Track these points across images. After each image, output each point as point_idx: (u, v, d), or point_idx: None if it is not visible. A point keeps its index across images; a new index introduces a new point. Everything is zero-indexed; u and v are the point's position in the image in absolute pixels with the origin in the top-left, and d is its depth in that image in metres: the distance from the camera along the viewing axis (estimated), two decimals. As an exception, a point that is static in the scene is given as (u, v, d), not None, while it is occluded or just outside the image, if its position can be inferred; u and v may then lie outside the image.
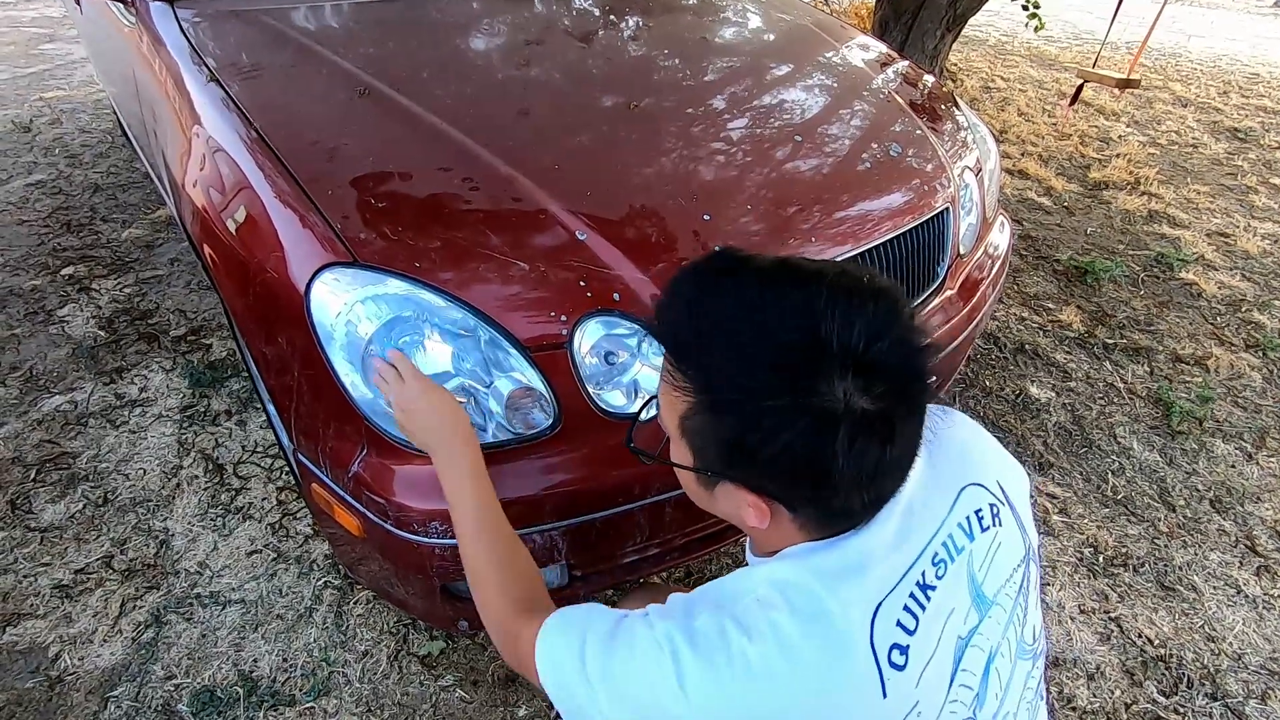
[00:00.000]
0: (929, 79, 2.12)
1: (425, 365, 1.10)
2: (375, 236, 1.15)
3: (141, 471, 2.00)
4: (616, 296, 1.18)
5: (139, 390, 2.26)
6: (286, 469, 2.01)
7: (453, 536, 1.12)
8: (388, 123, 1.37)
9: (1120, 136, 4.93)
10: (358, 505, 1.17)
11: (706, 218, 1.30)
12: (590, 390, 1.17)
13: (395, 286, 1.11)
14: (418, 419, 1.02)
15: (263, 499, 1.93)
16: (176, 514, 1.89)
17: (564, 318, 1.14)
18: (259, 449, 2.07)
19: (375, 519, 1.16)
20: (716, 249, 0.69)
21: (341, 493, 1.19)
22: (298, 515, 1.89)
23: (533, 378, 1.14)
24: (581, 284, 1.17)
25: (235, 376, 2.31)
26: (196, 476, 1.99)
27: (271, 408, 1.32)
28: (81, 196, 3.34)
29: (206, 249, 1.37)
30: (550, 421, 1.15)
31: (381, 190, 1.22)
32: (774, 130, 1.56)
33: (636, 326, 1.18)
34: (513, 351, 1.12)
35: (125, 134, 3.16)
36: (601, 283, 1.18)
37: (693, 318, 0.64)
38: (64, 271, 2.80)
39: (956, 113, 1.97)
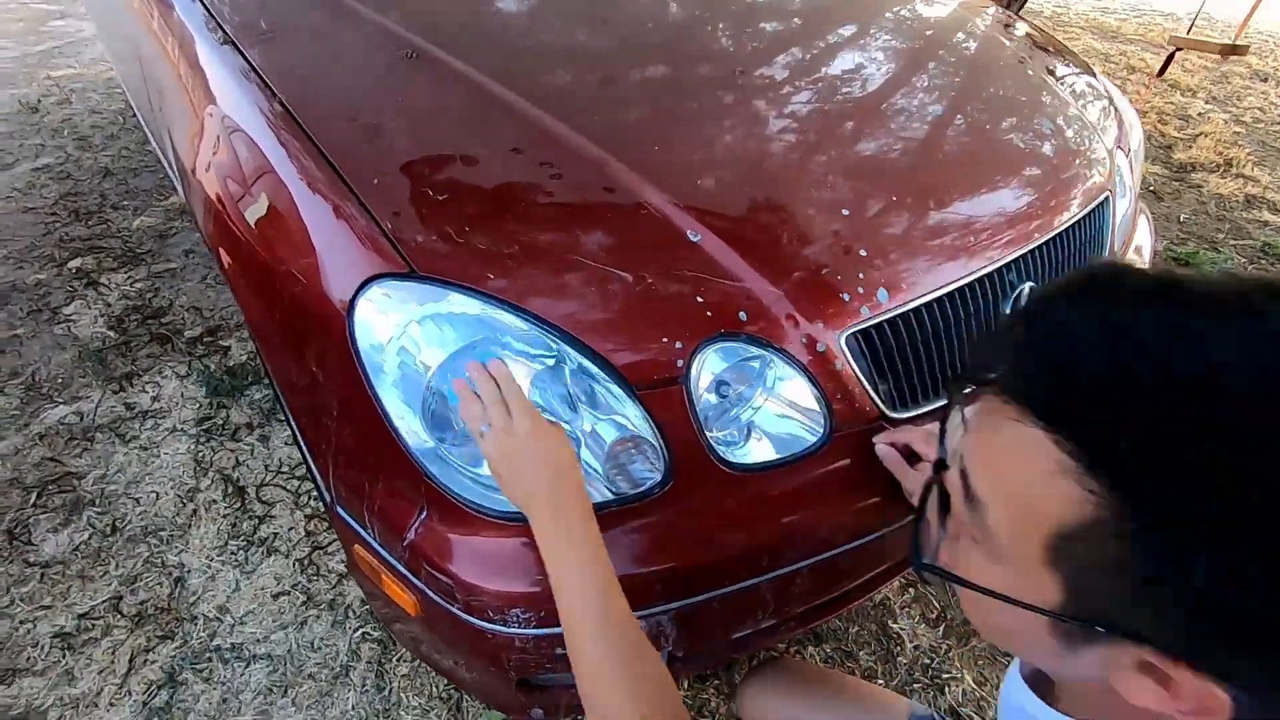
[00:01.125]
0: (1058, 41, 1.82)
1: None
2: (435, 239, 0.89)
3: (154, 495, 1.78)
4: (743, 315, 0.91)
5: (151, 399, 2.03)
6: (314, 494, 1.78)
7: (540, 625, 0.87)
8: (443, 93, 1.11)
9: (1200, 114, 4.56)
10: (415, 580, 0.92)
11: (845, 213, 1.03)
12: (710, 436, 0.91)
13: (462, 303, 0.86)
14: (522, 467, 0.76)
15: (289, 529, 1.70)
16: (193, 546, 1.66)
17: (679, 344, 0.88)
18: (284, 468, 1.84)
19: (437, 599, 0.91)
20: (1097, 262, 0.42)
21: (393, 562, 0.94)
22: (329, 550, 1.66)
23: (639, 422, 0.88)
24: (699, 299, 0.91)
25: (256, 384, 2.08)
26: (215, 501, 1.76)
27: (303, 446, 1.07)
28: (91, 182, 3.12)
29: (222, 250, 1.12)
30: (659, 477, 0.90)
31: (440, 178, 0.96)
32: (909, 104, 1.28)
33: (761, 351, 0.92)
34: (614, 388, 0.87)
35: (136, 114, 2.94)
36: (723, 297, 0.92)
37: (1114, 372, 0.38)
38: (71, 264, 2.58)
39: (1094, 81, 1.68)
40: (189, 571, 1.62)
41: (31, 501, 1.74)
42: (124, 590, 1.57)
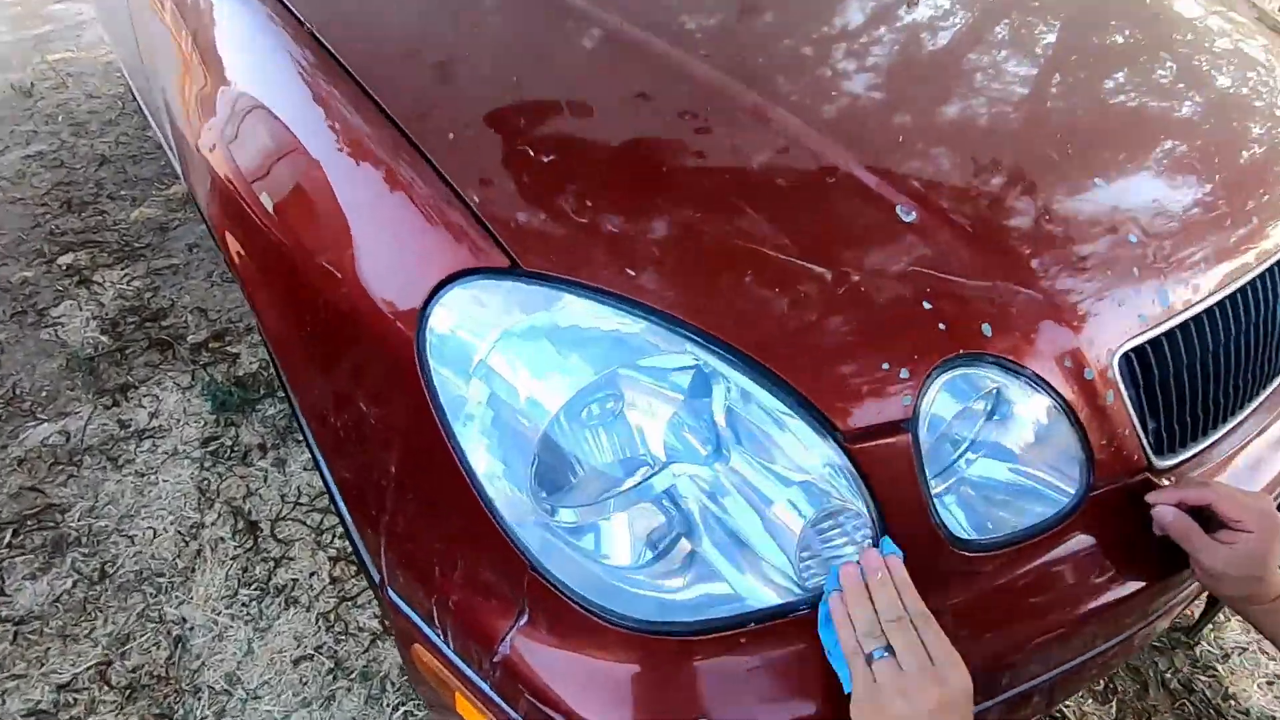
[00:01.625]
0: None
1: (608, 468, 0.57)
2: (545, 219, 0.61)
3: (150, 532, 1.50)
4: (987, 330, 0.63)
5: (148, 416, 1.76)
6: (339, 529, 1.51)
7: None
8: (534, 18, 0.82)
9: None
10: (509, 711, 0.64)
11: (1102, 183, 0.74)
12: (941, 507, 0.63)
13: (587, 313, 0.58)
14: None
15: (310, 574, 1.42)
16: (196, 596, 1.39)
17: (904, 372, 0.60)
18: (302, 498, 1.57)
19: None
20: None
21: (475, 680, 0.66)
22: (359, 601, 1.38)
23: (841, 484, 0.60)
24: (926, 305, 0.62)
25: (270, 396, 1.81)
26: (222, 539, 1.49)
27: (338, 502, 0.78)
28: (86, 170, 2.85)
29: (229, 236, 0.84)
30: (867, 566, 0.62)
31: (545, 133, 0.68)
32: (1169, 66, 0.98)
33: (1005, 379, 0.64)
34: (805, 432, 0.59)
35: (134, 95, 2.67)
36: (958, 304, 0.63)
37: None
38: (61, 260, 2.31)
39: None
40: (191, 629, 1.34)
41: (6, 541, 1.47)
42: (113, 654, 1.30)
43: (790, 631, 0.61)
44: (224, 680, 1.27)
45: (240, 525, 1.52)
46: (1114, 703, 1.28)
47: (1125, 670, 1.31)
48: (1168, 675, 1.32)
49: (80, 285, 2.20)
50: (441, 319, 0.59)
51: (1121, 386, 0.68)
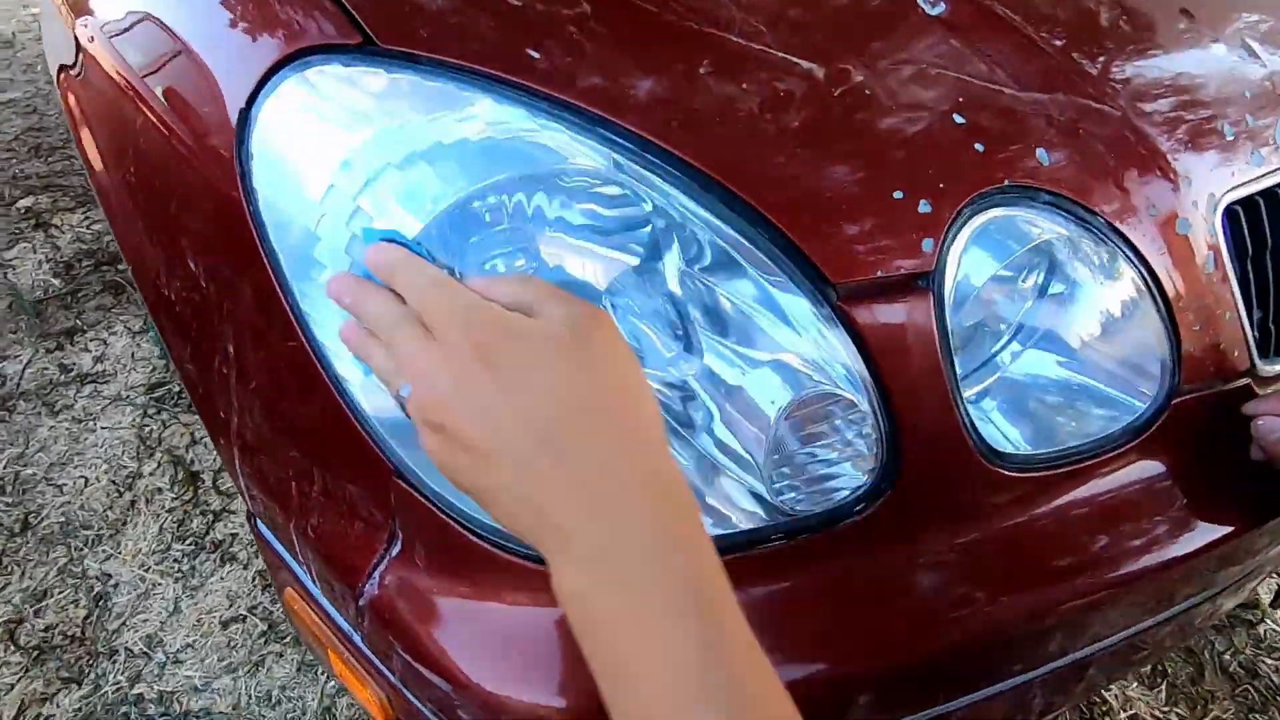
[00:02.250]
0: None
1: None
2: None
3: (82, 481, 1.36)
4: (1042, 156, 0.45)
5: (93, 360, 1.62)
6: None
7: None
8: None
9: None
10: (382, 668, 0.48)
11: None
12: (974, 410, 0.46)
13: (482, 108, 0.41)
14: (511, 431, 0.31)
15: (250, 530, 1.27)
16: (125, 550, 1.25)
17: (923, 205, 0.42)
18: (252, 449, 1.42)
19: (419, 703, 0.47)
20: None
21: (345, 628, 0.50)
22: (302, 558, 1.23)
23: (836, 363, 0.42)
24: (957, 121, 0.44)
25: (226, 342, 1.66)
26: (159, 490, 1.35)
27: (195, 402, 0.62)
28: (58, 117, 2.71)
29: (66, 94, 0.68)
30: (867, 479, 0.44)
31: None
32: None
33: (1066, 227, 0.46)
34: (788, 295, 0.41)
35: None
36: (1002, 121, 0.45)
37: None
38: (21, 203, 2.17)
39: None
40: (116, 585, 1.20)
41: (-77, 488, 1.34)
42: (26, 611, 1.16)
43: (759, 568, 0.44)
44: (144, 642, 1.12)
45: (180, 475, 1.37)
46: (1163, 686, 1.09)
47: (1177, 650, 1.13)
48: (1227, 657, 1.14)
49: (37, 229, 2.06)
50: (273, 120, 0.42)
51: (1224, 251, 0.50)
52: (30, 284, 1.86)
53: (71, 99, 0.66)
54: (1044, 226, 0.46)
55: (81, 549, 1.26)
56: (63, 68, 0.73)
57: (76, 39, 0.70)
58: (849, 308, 0.41)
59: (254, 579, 1.21)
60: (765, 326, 0.43)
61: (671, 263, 0.46)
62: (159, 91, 0.53)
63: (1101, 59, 0.48)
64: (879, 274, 0.41)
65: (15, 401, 1.52)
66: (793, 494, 0.43)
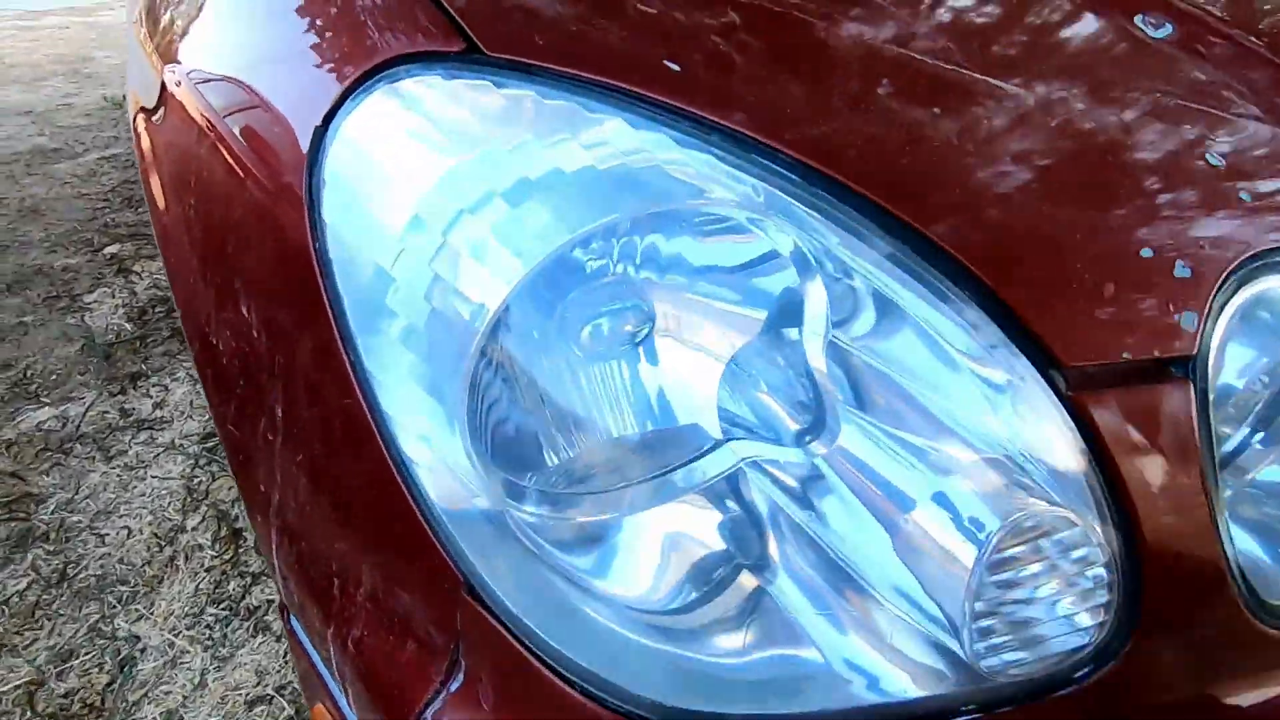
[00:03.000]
0: None
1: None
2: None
3: (124, 532, 1.31)
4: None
5: (152, 406, 1.60)
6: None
7: None
8: None
9: None
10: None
11: None
12: (1236, 539, 0.34)
13: (628, 137, 0.33)
14: None
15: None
16: (158, 611, 1.18)
17: (1182, 268, 0.32)
18: (298, 508, 1.35)
19: None
20: None
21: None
22: (339, 634, 1.13)
23: (1061, 469, 0.31)
24: (1213, 163, 0.34)
25: (284, 394, 1.62)
26: (200, 547, 1.28)
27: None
28: (154, 170, 2.85)
29: (137, 128, 0.64)
30: (1097, 633, 0.32)
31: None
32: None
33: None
34: (1006, 382, 0.31)
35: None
36: (1272, 166, 0.35)
37: None
38: (107, 250, 2.24)
39: None
40: (143, 650, 1.12)
41: (-30, 529, 1.31)
42: (49, 671, 1.09)
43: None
44: (163, 718, 1.03)
45: (223, 532, 1.31)
46: None
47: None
48: None
49: (119, 274, 2.11)
50: (348, 147, 0.35)
51: None
52: (104, 327, 1.88)
53: (146, 141, 0.62)
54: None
55: (114, 606, 1.19)
56: (142, 109, 0.69)
57: (163, 84, 0.67)
58: (1083, 400, 0.31)
59: (285, 654, 1.11)
60: (970, 422, 0.32)
61: (815, 324, 0.36)
62: (235, 127, 0.48)
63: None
64: (1125, 356, 0.31)
65: (73, 444, 1.50)
66: (997, 656, 0.31)
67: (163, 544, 1.30)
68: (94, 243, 2.30)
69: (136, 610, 1.19)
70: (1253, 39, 0.39)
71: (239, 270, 0.41)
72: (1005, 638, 0.31)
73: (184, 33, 0.64)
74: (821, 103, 0.33)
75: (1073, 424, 0.30)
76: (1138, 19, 0.39)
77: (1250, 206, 0.33)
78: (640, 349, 0.40)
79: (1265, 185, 0.34)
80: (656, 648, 0.37)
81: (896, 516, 0.34)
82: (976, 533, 0.31)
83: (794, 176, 0.31)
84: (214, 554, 1.28)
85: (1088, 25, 0.39)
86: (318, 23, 0.39)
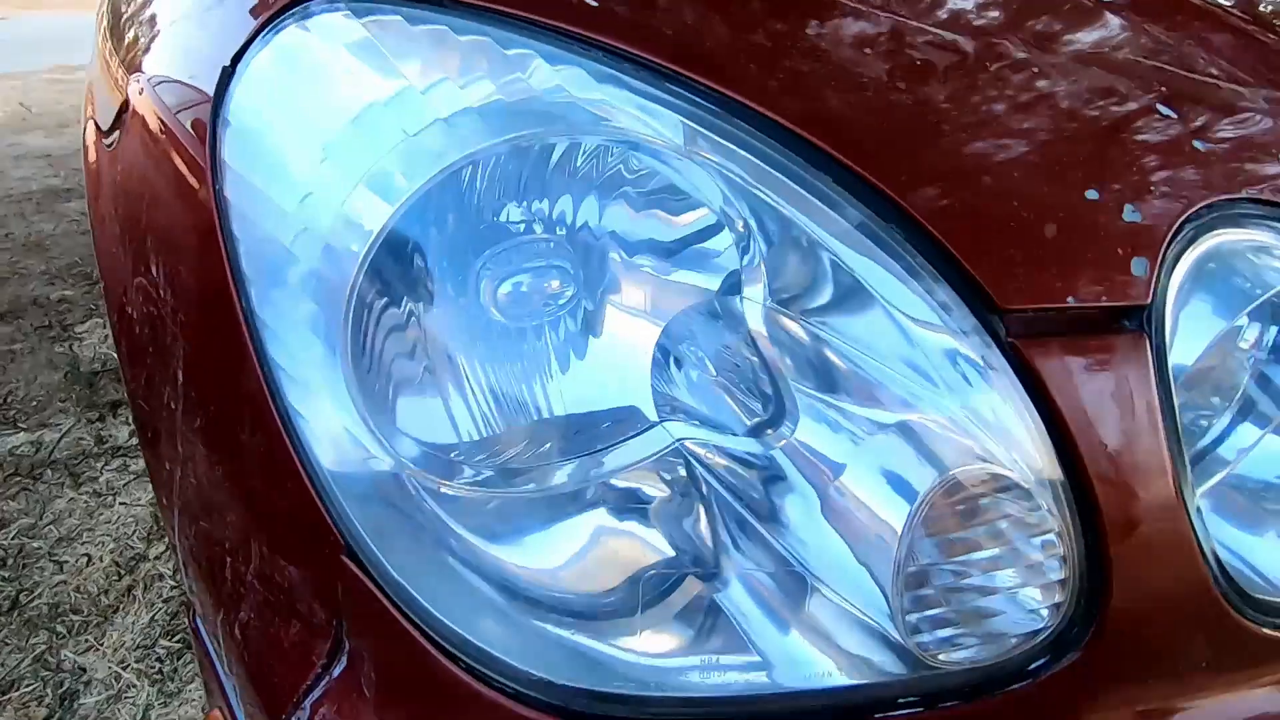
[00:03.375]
0: None
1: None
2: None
3: (84, 559, 1.26)
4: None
5: (129, 434, 1.57)
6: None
7: None
8: None
9: None
10: None
11: None
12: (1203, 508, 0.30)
13: (547, 75, 0.31)
14: None
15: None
16: (108, 642, 1.12)
17: (1131, 211, 0.29)
18: (266, 539, 1.30)
19: None
20: None
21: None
22: (294, 670, 1.07)
23: (1004, 427, 0.28)
24: (1166, 113, 0.32)
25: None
26: (160, 577, 1.23)
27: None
28: (160, 210, 2.90)
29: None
30: (1055, 618, 0.28)
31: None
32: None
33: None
34: (935, 316, 0.28)
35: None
36: (1225, 119, 0.33)
37: None
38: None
39: None
40: (88, 682, 1.06)
41: (-73, 553, 1.26)
42: (-15, 703, 1.03)
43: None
44: (99, 757, 0.97)
45: (186, 562, 1.26)
46: None
47: None
48: None
49: (113, 305, 2.12)
50: (252, 90, 0.34)
51: None
52: (91, 356, 1.87)
53: (96, 158, 0.62)
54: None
55: (64, 636, 1.13)
56: (98, 129, 0.69)
57: (125, 102, 0.67)
58: (1025, 349, 0.28)
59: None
60: (896, 375, 0.29)
61: (755, 290, 0.34)
62: (187, 122, 0.47)
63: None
64: (1069, 301, 0.28)
65: (44, 470, 1.47)
66: (934, 634, 0.28)
67: (122, 572, 1.25)
68: (92, 276, 2.32)
69: (86, 641, 1.13)
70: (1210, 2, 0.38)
71: (151, 226, 0.39)
72: (941, 610, 0.27)
73: (148, 44, 0.64)
74: (747, 40, 0.31)
75: (1014, 374, 0.27)
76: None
77: (1204, 156, 0.31)
78: (572, 320, 0.38)
79: (1220, 138, 0.32)
80: (569, 641, 0.33)
81: (828, 485, 0.31)
82: (908, 493, 0.28)
83: (716, 108, 0.29)
84: (173, 584, 1.22)
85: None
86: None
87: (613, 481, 0.38)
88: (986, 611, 0.28)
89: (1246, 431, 0.35)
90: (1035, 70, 0.31)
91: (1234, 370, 0.36)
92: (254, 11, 0.36)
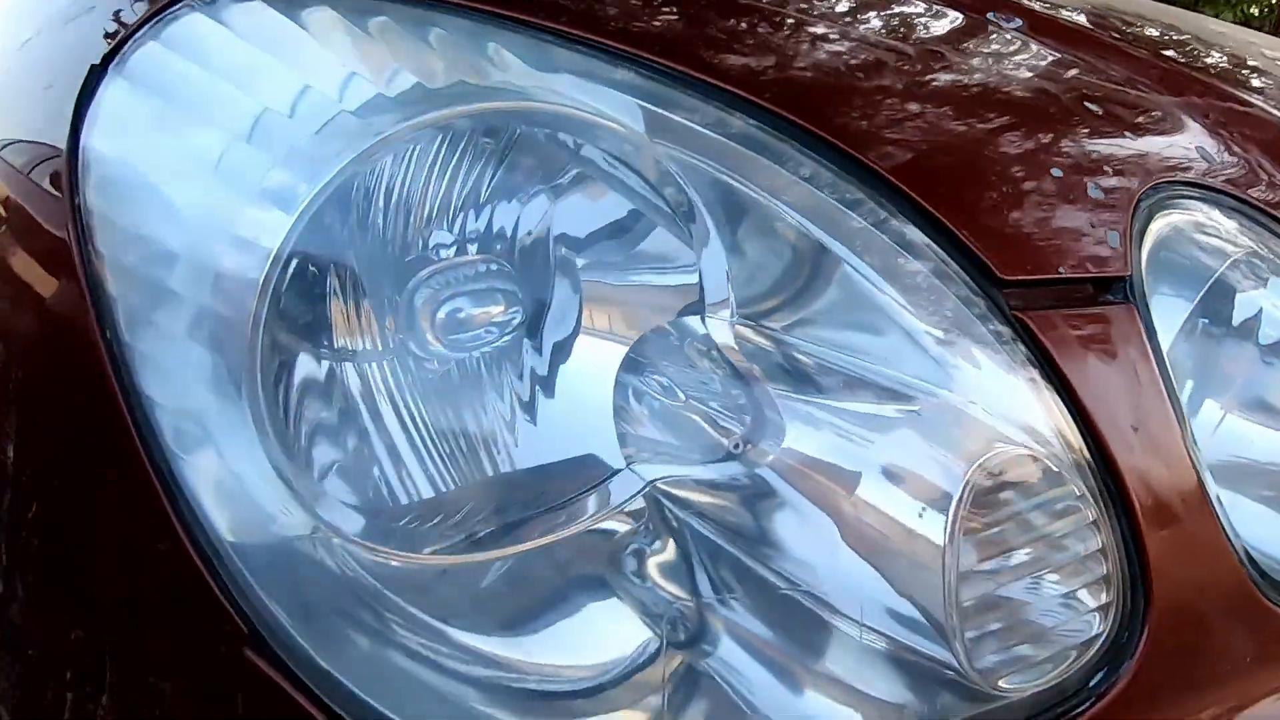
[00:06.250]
0: None
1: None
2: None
3: None
4: (1209, 158, 0.34)
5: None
6: None
7: None
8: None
9: None
10: None
11: None
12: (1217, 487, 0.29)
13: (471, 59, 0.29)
14: None
15: None
16: None
17: (1093, 187, 0.29)
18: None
19: None
20: None
21: None
22: None
23: (1020, 406, 0.26)
24: (1093, 110, 0.33)
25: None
26: None
27: None
28: None
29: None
30: (1105, 620, 0.25)
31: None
32: None
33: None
34: (929, 296, 0.26)
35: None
36: (1144, 116, 0.35)
37: None
38: None
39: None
40: None
41: None
42: None
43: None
44: None
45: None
46: None
47: None
48: None
49: None
50: (126, 91, 0.28)
51: None
52: None
53: None
54: (1242, 243, 0.33)
55: None
56: None
57: None
58: (1031, 321, 0.26)
59: None
60: (893, 362, 0.27)
61: (719, 299, 0.31)
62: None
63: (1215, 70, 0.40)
64: (1060, 271, 0.27)
65: None
66: (994, 656, 0.24)
67: None
68: None
69: None
70: (1100, 31, 0.41)
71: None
72: (997, 625, 0.23)
73: None
74: (689, 18, 0.30)
75: (1025, 348, 0.26)
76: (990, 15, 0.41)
77: (1137, 144, 0.32)
78: (521, 351, 0.33)
79: (1145, 130, 0.33)
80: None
81: (840, 499, 0.27)
82: (940, 494, 0.24)
83: (666, 81, 0.27)
84: None
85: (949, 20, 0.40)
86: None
87: (571, 541, 0.32)
88: (1041, 621, 0.24)
89: (1211, 410, 0.35)
90: (971, 65, 0.32)
91: (1211, 342, 0.36)
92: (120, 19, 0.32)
